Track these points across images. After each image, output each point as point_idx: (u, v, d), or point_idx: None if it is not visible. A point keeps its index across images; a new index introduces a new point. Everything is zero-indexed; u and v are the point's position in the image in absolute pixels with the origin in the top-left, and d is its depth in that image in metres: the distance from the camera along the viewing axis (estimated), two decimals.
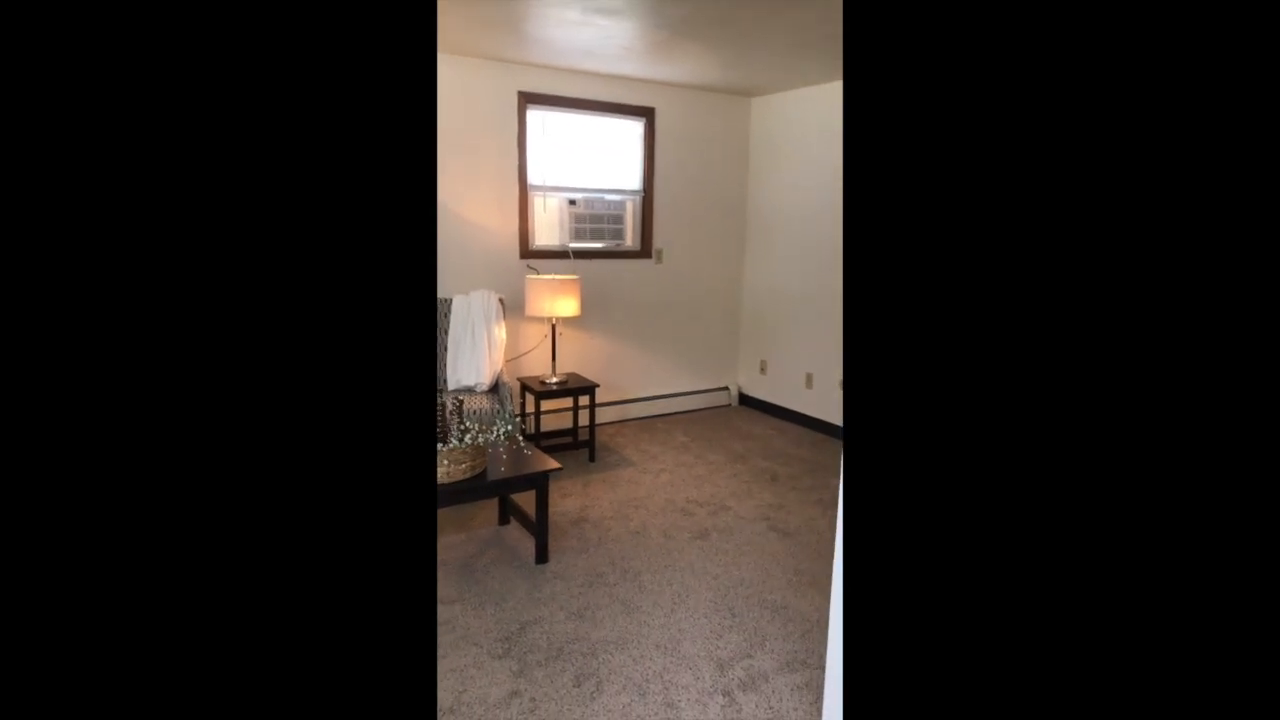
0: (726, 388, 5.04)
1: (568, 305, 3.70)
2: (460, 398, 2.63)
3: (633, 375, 4.59)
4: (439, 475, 2.40)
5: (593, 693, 1.96)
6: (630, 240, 4.47)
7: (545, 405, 4.14)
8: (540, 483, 2.63)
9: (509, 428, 2.63)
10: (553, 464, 2.68)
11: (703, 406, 4.93)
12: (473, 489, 2.49)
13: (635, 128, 4.33)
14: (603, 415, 4.43)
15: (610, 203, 4.36)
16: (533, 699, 1.92)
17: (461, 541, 2.84)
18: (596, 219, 4.33)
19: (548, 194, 4.11)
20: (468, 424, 2.52)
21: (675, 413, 4.81)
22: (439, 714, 1.85)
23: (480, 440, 2.48)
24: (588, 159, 4.20)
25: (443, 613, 2.33)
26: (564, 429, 4.14)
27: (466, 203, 3.83)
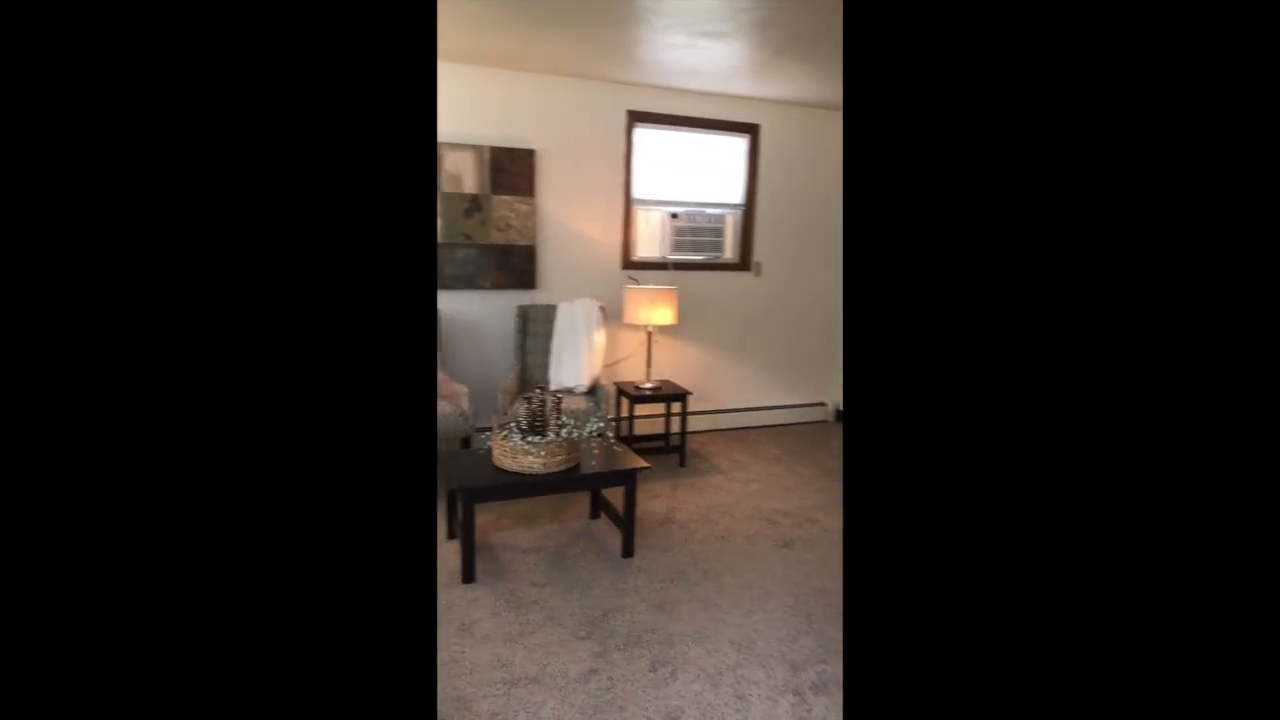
0: (823, 403, 5.00)
1: (664, 314, 3.84)
2: (559, 396, 2.81)
3: (727, 386, 4.67)
4: (538, 465, 2.59)
5: (667, 678, 2.05)
6: (729, 253, 4.56)
7: (639, 410, 4.29)
8: (629, 480, 2.77)
9: (600, 425, 2.78)
10: (641, 463, 2.80)
11: (797, 421, 4.92)
12: (567, 480, 2.66)
13: (739, 144, 4.43)
14: (696, 423, 4.52)
15: (711, 216, 4.48)
16: (610, 678, 2.05)
17: (555, 531, 3.02)
18: (697, 232, 4.46)
19: (650, 208, 4.29)
20: (564, 419, 2.70)
21: (769, 425, 4.83)
22: (524, 682, 2.01)
23: (574, 435, 2.65)
24: (690, 174, 4.35)
25: (533, 594, 2.50)
26: (657, 434, 4.27)
27: (574, 216, 4.06)
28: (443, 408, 3.27)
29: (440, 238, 3.76)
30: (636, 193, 4.20)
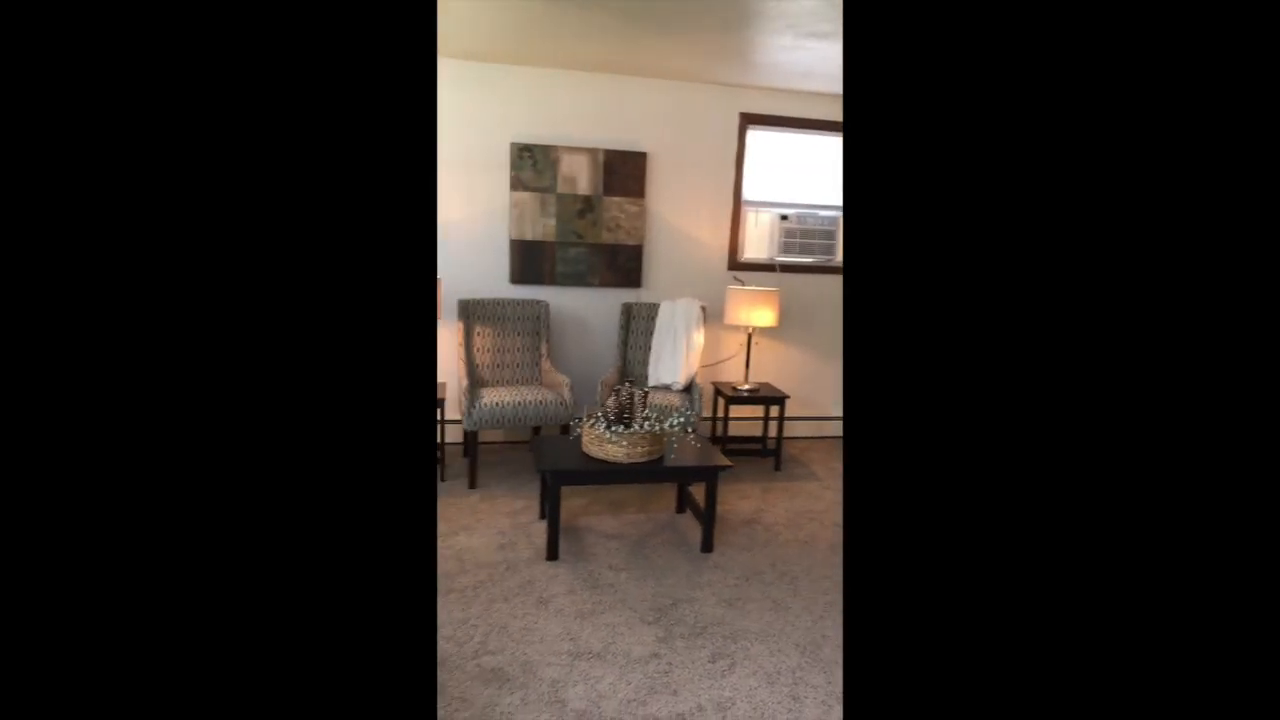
0: None
1: (764, 316, 3.83)
2: (646, 390, 2.91)
3: (833, 392, 4.56)
4: (621, 455, 2.70)
5: (724, 671, 2.09)
6: (841, 256, 4.46)
7: (735, 411, 4.30)
8: (710, 476, 2.81)
9: (681, 420, 2.85)
10: (724, 461, 2.84)
11: None
12: (648, 472, 2.76)
13: None
14: (797, 429, 4.46)
15: (822, 219, 4.40)
16: (669, 663, 2.11)
17: (640, 521, 3.13)
18: (807, 234, 4.40)
19: (760, 209, 4.29)
20: (649, 413, 2.80)
21: None
22: (588, 656, 2.12)
23: (655, 428, 2.73)
24: (802, 176, 4.30)
25: (609, 576, 2.62)
26: (754, 436, 4.26)
27: (683, 216, 4.15)
28: (545, 395, 3.47)
29: (553, 237, 3.98)
30: (747, 194, 4.22)
